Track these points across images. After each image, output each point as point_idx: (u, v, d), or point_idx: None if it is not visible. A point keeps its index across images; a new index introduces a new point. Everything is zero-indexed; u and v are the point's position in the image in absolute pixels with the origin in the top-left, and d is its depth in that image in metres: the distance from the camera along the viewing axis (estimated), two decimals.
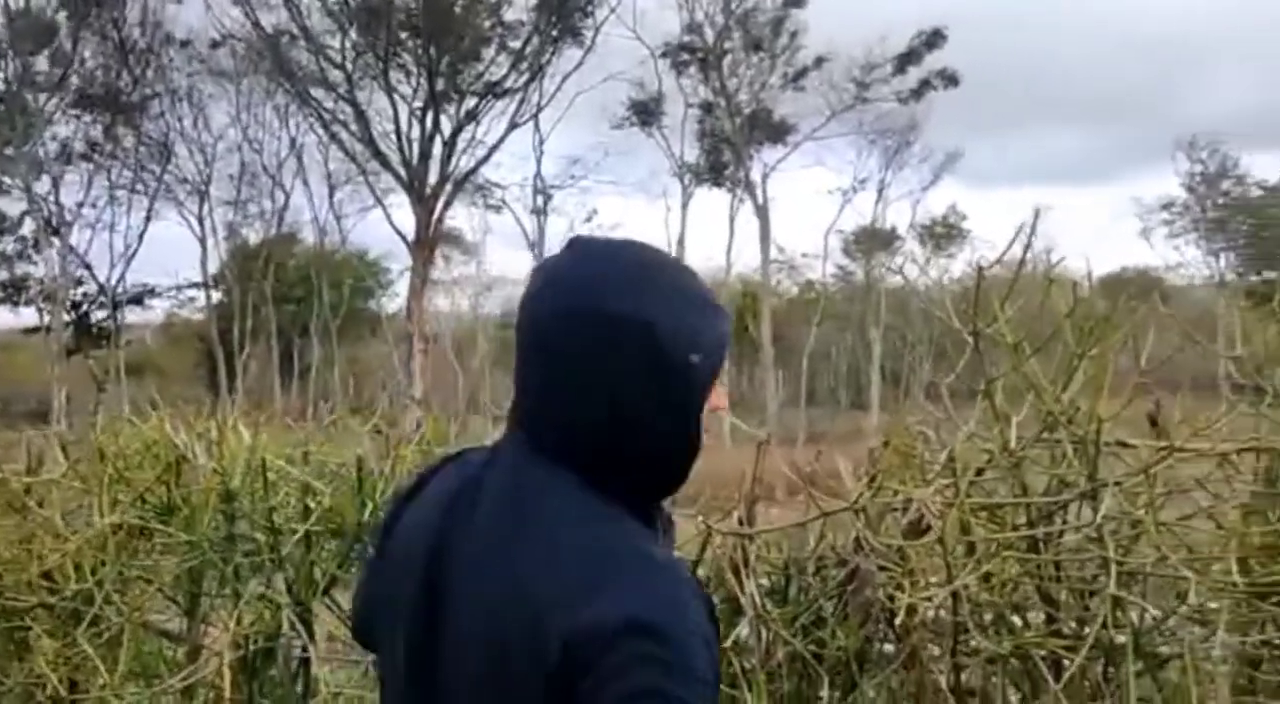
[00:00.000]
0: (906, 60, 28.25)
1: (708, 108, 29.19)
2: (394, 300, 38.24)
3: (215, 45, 26.46)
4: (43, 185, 26.62)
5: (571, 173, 30.01)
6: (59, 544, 3.02)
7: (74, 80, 25.55)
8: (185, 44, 26.52)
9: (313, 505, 2.85)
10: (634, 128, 29.26)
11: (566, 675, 1.05)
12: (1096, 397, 2.23)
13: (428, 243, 25.66)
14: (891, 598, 2.59)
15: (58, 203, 27.04)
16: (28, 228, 29.47)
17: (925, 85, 28.64)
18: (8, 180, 26.71)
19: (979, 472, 2.60)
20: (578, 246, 1.24)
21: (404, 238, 25.71)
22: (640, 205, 71.03)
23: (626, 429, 1.17)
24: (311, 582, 2.85)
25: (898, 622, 2.59)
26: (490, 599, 1.13)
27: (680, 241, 29.61)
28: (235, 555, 2.87)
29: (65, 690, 2.74)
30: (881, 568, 2.61)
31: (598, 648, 1.05)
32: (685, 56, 28.18)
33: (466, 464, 1.27)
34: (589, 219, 33.90)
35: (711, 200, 70.46)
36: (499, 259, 60.27)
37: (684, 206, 29.77)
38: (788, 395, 31.73)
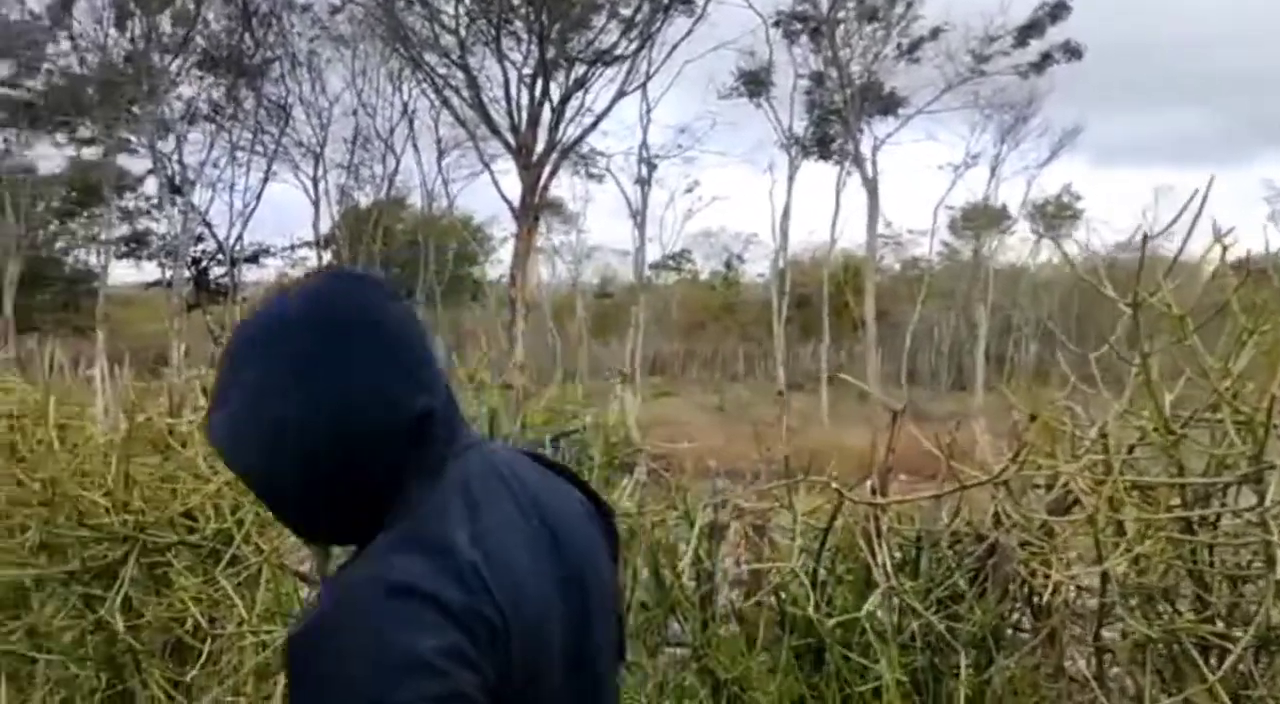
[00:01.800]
0: (1028, 32, 27.30)
1: (818, 79, 28.69)
2: (496, 267, 38.77)
3: (334, 10, 26.97)
4: (167, 144, 27.58)
5: (679, 142, 29.86)
6: (200, 484, 3.11)
7: (198, 42, 26.30)
8: (306, 9, 27.09)
9: None
10: (742, 98, 28.93)
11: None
12: (1271, 375, 2.11)
13: (532, 209, 25.85)
14: (1032, 575, 2.51)
15: (181, 162, 27.98)
16: (151, 186, 30.62)
17: (1046, 58, 27.65)
18: (134, 139, 27.69)
19: (1130, 449, 2.50)
20: None
21: (510, 204, 25.96)
22: (743, 177, 70.47)
23: None
24: None
25: (1038, 600, 2.51)
26: (605, 576, 1.27)
27: (785, 214, 29.30)
28: None
29: (206, 625, 2.82)
30: (1022, 545, 2.53)
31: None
32: (797, 25, 27.70)
33: (497, 482, 1.21)
34: (689, 190, 33.81)
35: (818, 173, 69.70)
36: (597, 228, 60.55)
37: (790, 179, 29.41)
38: (888, 373, 31.24)
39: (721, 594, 3.01)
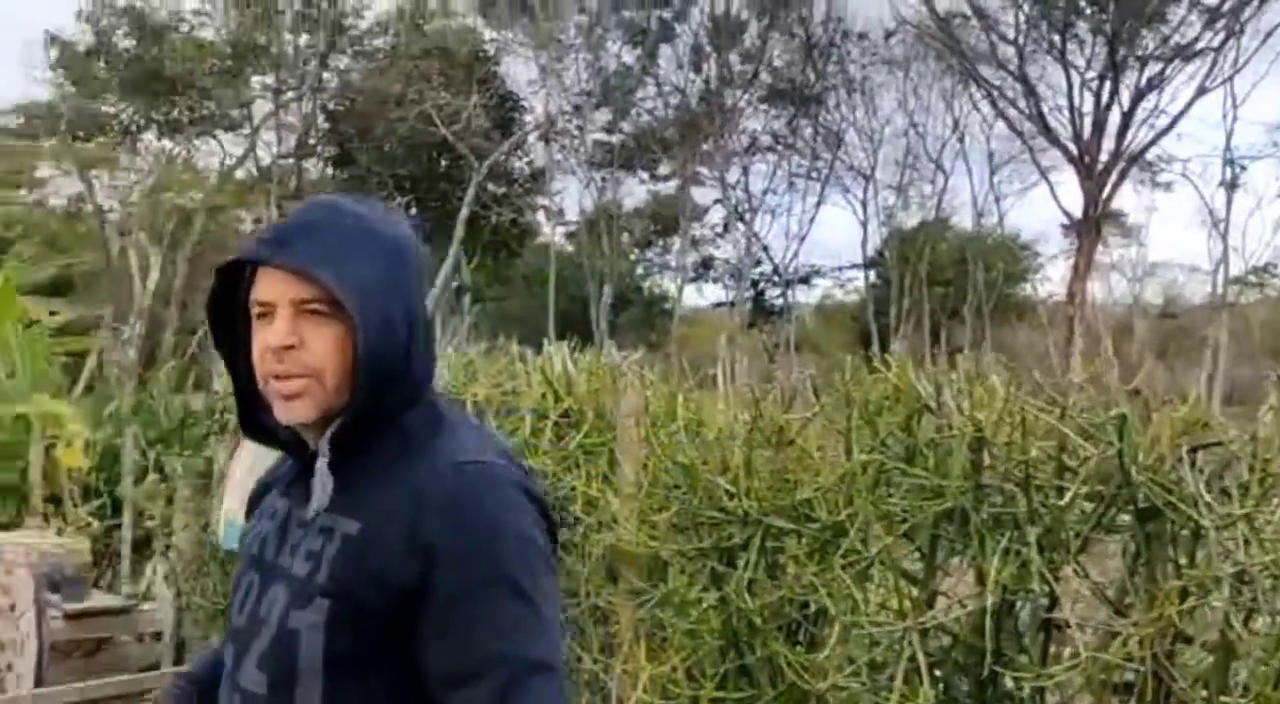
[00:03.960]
0: None
1: None
2: (1044, 285, 36.81)
3: (889, 35, 27.46)
4: (732, 175, 29.86)
5: (1274, 141, 26.25)
6: (813, 478, 3.26)
7: (763, 77, 28.19)
8: (862, 36, 27.90)
9: (1070, 463, 2.73)
10: None
11: None
12: None
13: (1094, 222, 24.19)
14: None
15: (746, 191, 30.13)
16: (717, 215, 33.32)
17: None
18: (704, 172, 30.32)
19: None
20: None
21: (1070, 217, 24.53)
22: None
23: None
24: (1063, 542, 2.74)
25: None
26: None
27: None
28: (983, 505, 2.86)
29: (832, 610, 2.93)
30: None
31: None
32: None
33: None
34: None
35: None
36: (1161, 241, 54.93)
37: None
38: None
39: None
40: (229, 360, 1.39)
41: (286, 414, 1.29)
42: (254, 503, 1.50)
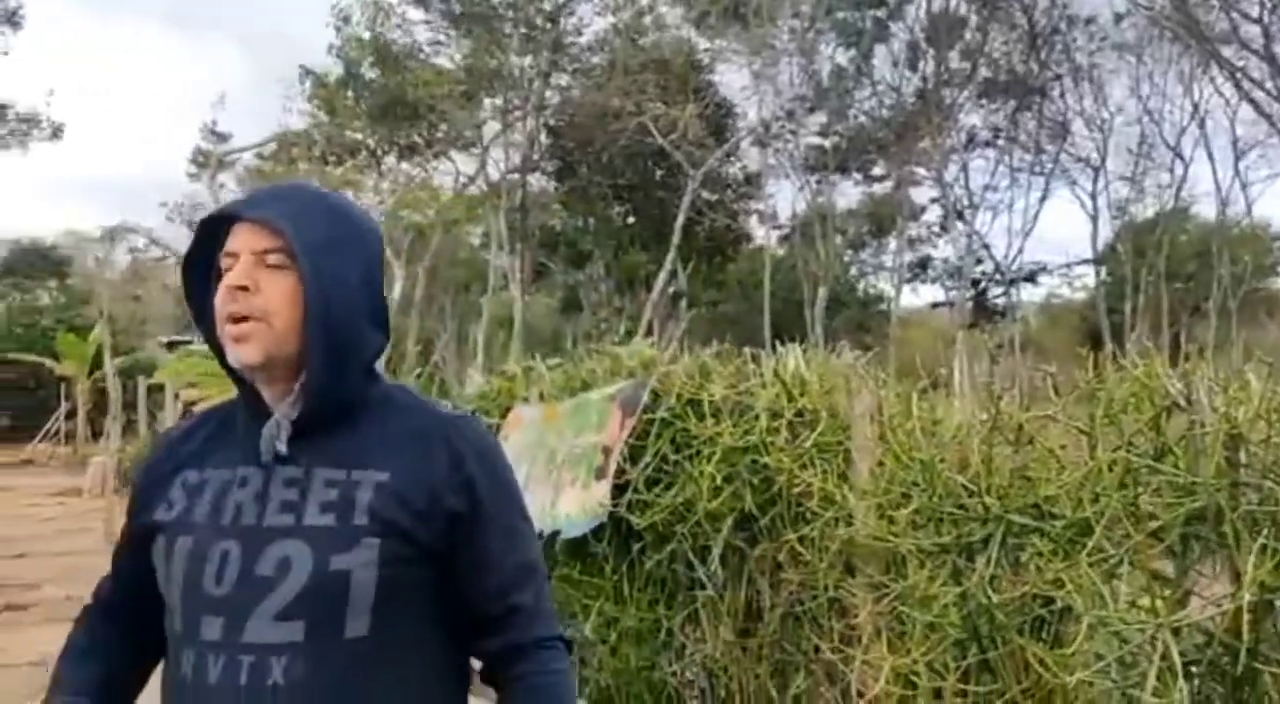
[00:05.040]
0: None
1: None
2: None
3: (1119, 19, 26.07)
4: (950, 172, 29.07)
5: None
6: (1055, 475, 3.28)
7: (982, 71, 27.32)
8: (1089, 22, 26.61)
9: None
10: None
11: None
12: None
13: None
14: None
15: (965, 187, 29.28)
16: (933, 213, 32.51)
17: None
18: (920, 171, 29.67)
19: None
20: None
21: None
22: None
23: None
24: None
25: None
26: None
27: None
28: (1239, 503, 2.81)
29: (1080, 607, 2.95)
30: None
31: None
32: None
33: None
34: None
35: None
36: None
37: None
38: None
39: None
40: (198, 314, 1.53)
41: (234, 354, 1.42)
42: (156, 481, 1.53)
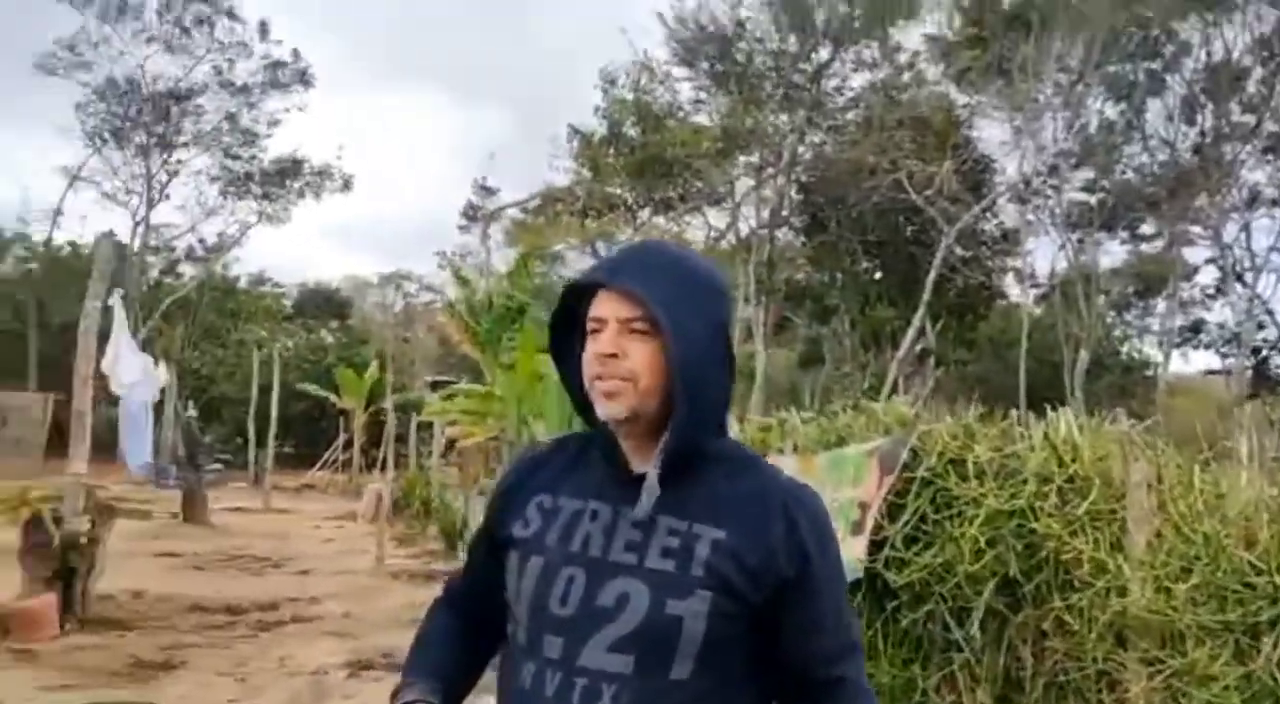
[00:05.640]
0: None
1: None
2: None
3: None
4: (1229, 232, 27.06)
5: None
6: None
7: (1268, 125, 25.36)
8: None
9: None
10: None
11: None
12: None
13: None
14: None
15: (1247, 248, 27.17)
16: (1208, 275, 30.26)
17: None
18: (1195, 230, 27.75)
19: None
20: None
21: None
22: None
23: None
24: None
25: None
26: None
27: None
28: None
29: None
30: None
31: None
32: None
33: None
34: None
35: None
36: None
37: None
38: None
39: None
40: (557, 355, 1.64)
41: (604, 409, 1.52)
42: (514, 498, 1.65)
